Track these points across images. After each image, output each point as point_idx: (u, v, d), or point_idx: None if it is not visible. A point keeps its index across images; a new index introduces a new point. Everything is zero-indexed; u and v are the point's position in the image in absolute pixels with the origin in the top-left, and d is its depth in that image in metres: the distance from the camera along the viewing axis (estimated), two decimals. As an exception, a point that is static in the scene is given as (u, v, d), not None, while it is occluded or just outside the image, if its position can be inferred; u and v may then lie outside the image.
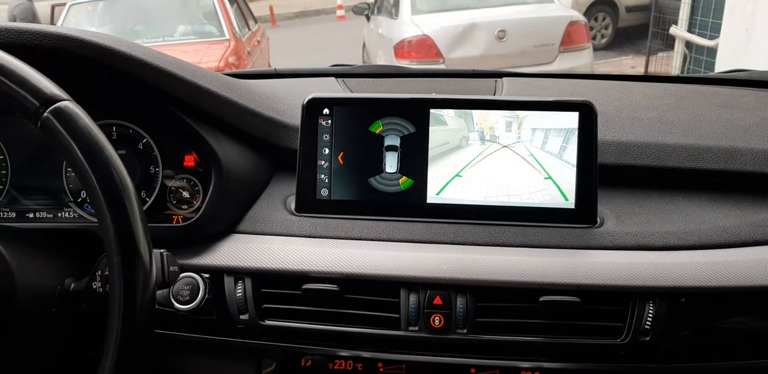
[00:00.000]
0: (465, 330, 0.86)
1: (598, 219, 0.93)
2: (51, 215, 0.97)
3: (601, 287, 0.84)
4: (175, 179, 0.97)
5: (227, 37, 5.36)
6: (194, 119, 0.92)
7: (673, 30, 5.07)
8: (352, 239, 0.93)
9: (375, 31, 6.26)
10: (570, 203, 0.92)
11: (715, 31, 4.52)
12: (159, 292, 0.88)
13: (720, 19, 4.39)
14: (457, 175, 0.94)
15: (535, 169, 0.93)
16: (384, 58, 5.65)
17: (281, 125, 1.02)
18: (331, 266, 0.88)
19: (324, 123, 0.96)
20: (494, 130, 0.93)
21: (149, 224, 0.66)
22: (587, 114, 0.92)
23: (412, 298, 0.86)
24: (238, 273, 0.90)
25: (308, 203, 0.96)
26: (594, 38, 7.26)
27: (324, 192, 0.96)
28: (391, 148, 0.95)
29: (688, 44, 5.02)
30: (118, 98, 0.93)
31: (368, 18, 6.75)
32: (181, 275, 0.89)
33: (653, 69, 5.64)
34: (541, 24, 5.30)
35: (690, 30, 4.94)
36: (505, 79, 1.28)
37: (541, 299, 0.84)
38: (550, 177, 0.93)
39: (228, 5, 5.64)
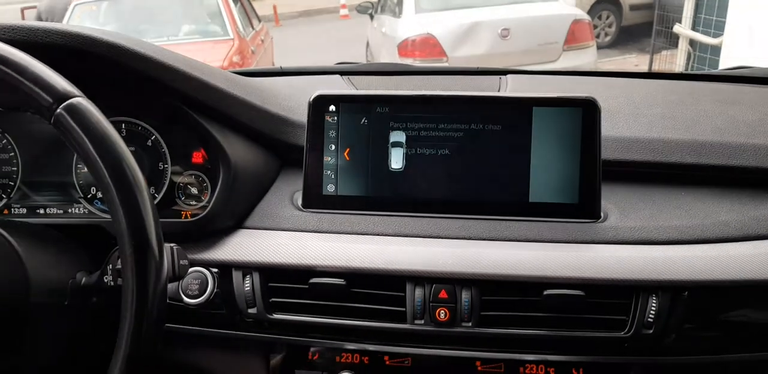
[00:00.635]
0: (470, 324, 0.87)
1: (602, 214, 0.94)
2: (61, 211, 0.98)
3: (605, 281, 0.85)
4: (183, 175, 0.98)
5: (231, 36, 5.37)
6: (203, 116, 0.94)
7: (677, 28, 5.06)
8: (358, 234, 0.94)
9: (378, 29, 6.26)
10: (574, 198, 0.93)
11: (719, 29, 4.51)
12: (168, 286, 0.90)
13: (724, 17, 4.38)
14: (463, 170, 0.95)
15: (539, 164, 0.94)
16: (387, 57, 5.65)
17: (288, 122, 1.03)
18: (338, 261, 0.89)
19: (330, 120, 0.97)
20: (499, 126, 0.94)
21: None
22: (591, 110, 0.93)
23: (418, 292, 0.88)
24: (246, 268, 0.92)
25: (315, 199, 0.98)
26: (598, 36, 7.26)
27: (330, 188, 0.97)
28: (397, 144, 0.96)
29: (692, 42, 5.01)
30: (127, 95, 0.94)
31: (372, 17, 6.75)
32: (190, 269, 0.91)
33: (657, 67, 5.62)
34: (544, 22, 5.30)
35: (694, 28, 4.93)
36: (509, 76, 1.29)
37: (545, 293, 0.85)
38: (554, 172, 0.94)
39: (232, 4, 5.65)
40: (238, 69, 1.83)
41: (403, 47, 5.26)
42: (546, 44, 5.24)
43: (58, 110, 0.65)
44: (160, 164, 0.98)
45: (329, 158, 0.97)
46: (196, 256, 0.92)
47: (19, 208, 0.98)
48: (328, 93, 0.97)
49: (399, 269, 0.88)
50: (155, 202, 0.97)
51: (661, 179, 1.01)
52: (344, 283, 0.88)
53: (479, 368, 0.90)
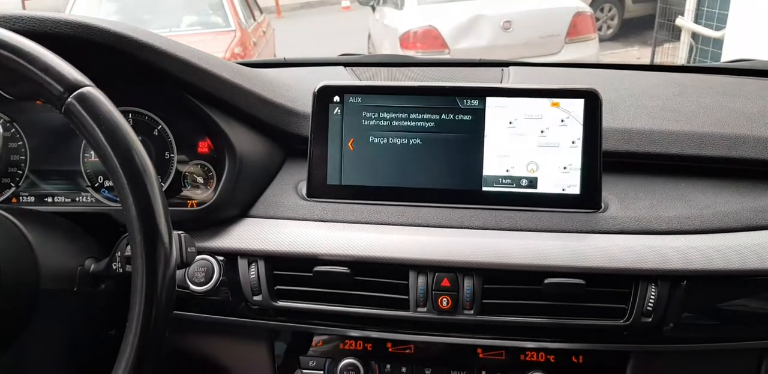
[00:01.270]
0: (472, 311, 0.88)
1: (603, 204, 0.95)
2: (69, 200, 1.00)
3: (605, 269, 0.86)
4: (189, 164, 0.99)
5: (233, 27, 5.37)
6: (209, 106, 0.95)
7: (679, 21, 5.05)
8: (362, 223, 0.95)
9: (380, 21, 6.25)
10: (575, 188, 0.94)
11: (721, 22, 4.51)
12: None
13: (726, 10, 4.37)
14: (465, 160, 0.96)
15: (540, 155, 0.95)
16: (389, 48, 5.65)
17: (293, 113, 1.04)
18: (342, 250, 0.90)
19: (334, 110, 0.98)
20: (502, 117, 0.95)
21: None
22: (592, 102, 0.94)
23: (421, 280, 0.89)
24: (252, 256, 0.93)
25: (319, 189, 0.99)
26: (600, 29, 7.23)
27: (334, 178, 0.98)
28: (401, 135, 0.97)
29: (695, 35, 5.00)
30: (134, 85, 0.95)
31: (373, 8, 6.73)
32: (197, 257, 0.92)
33: (659, 60, 5.62)
34: (546, 15, 5.28)
35: (696, 21, 4.92)
36: (511, 68, 1.30)
37: (546, 281, 0.87)
38: (555, 163, 0.95)
39: (234, -4, 5.65)
40: (242, 60, 1.84)
41: (405, 39, 5.25)
42: (548, 37, 5.23)
43: (69, 99, 0.66)
44: (167, 153, 0.99)
45: (333, 149, 0.98)
46: (202, 244, 0.94)
47: (27, 196, 1.00)
48: (333, 84, 0.98)
49: (402, 258, 0.89)
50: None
51: (662, 170, 1.02)
52: (348, 271, 0.90)
53: (480, 355, 0.91)
